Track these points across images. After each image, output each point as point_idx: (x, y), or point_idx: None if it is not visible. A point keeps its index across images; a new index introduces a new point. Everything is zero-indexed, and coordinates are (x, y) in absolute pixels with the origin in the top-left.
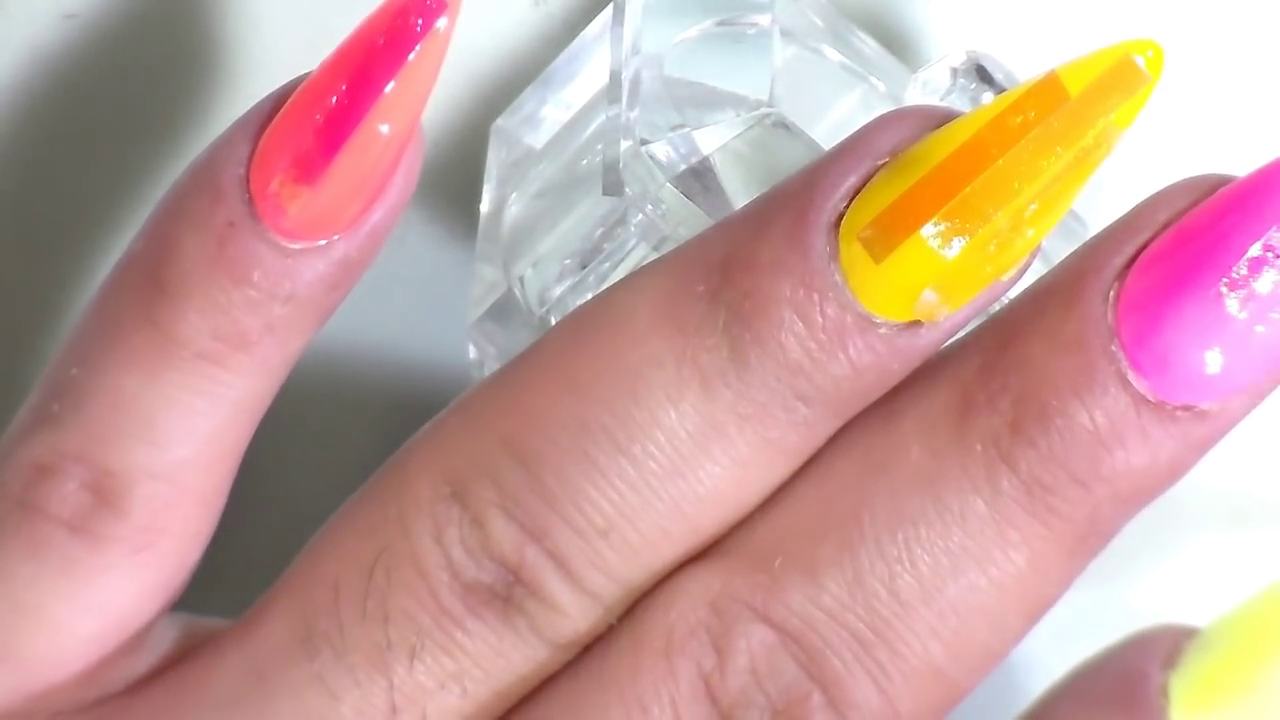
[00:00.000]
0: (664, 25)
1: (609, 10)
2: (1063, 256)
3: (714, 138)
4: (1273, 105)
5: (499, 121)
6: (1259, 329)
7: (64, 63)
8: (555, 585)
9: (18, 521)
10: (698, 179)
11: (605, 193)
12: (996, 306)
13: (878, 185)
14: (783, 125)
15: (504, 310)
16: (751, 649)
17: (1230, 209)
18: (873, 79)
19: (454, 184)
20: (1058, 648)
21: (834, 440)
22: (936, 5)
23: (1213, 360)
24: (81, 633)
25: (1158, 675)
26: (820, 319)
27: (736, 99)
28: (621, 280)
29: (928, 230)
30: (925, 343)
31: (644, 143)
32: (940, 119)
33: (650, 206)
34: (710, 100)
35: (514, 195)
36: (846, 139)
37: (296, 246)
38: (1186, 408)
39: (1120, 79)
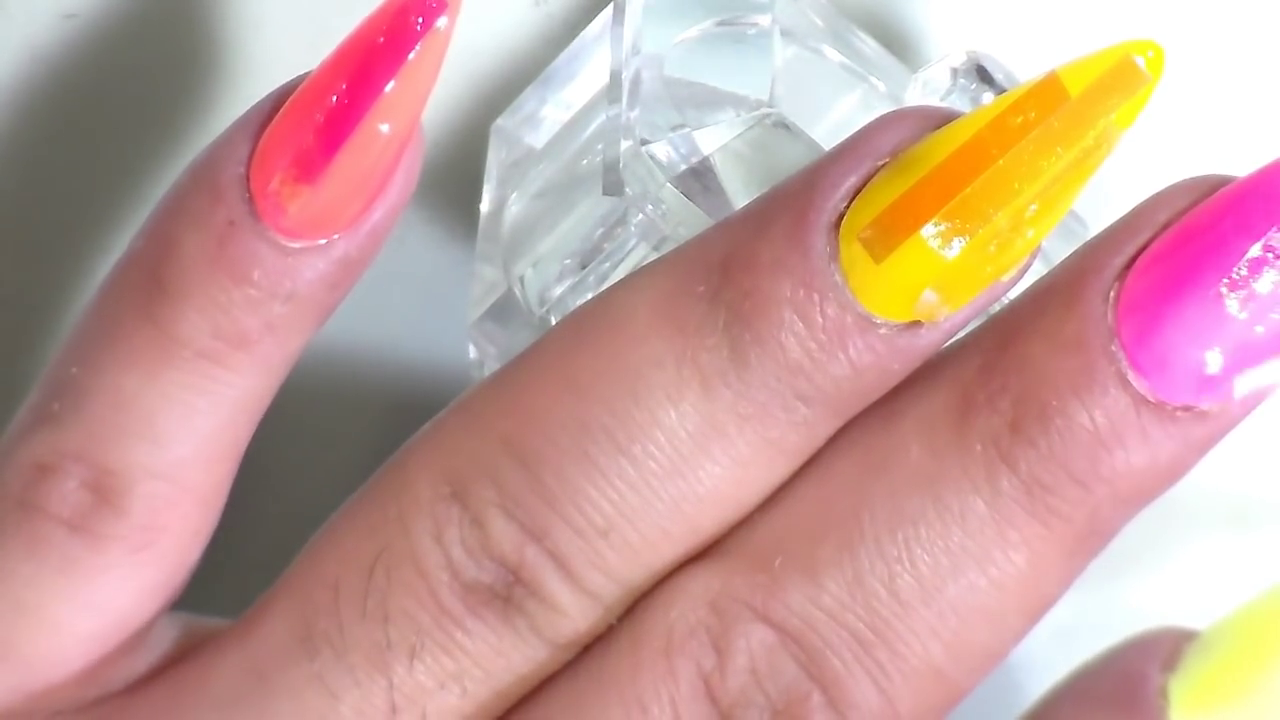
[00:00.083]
0: (664, 25)
1: (609, 10)
2: (1063, 257)
3: (714, 138)
4: (1273, 105)
5: (499, 121)
6: (1259, 329)
7: (64, 63)
8: (555, 585)
9: (18, 520)
10: (698, 179)
11: (605, 193)
12: (997, 307)
13: (878, 185)
14: (783, 125)
15: (504, 310)
16: (751, 649)
17: (1230, 209)
18: (873, 79)
19: (454, 184)
20: (1058, 648)
21: (834, 440)
22: (937, 5)
23: (1213, 360)
24: (81, 631)
25: (1157, 677)
26: (820, 319)
27: (737, 99)
28: (621, 280)
29: (928, 230)
30: (925, 343)
31: (644, 143)
32: (940, 119)
33: (650, 206)
34: (710, 100)
35: (514, 195)
36: (847, 139)
37: (296, 245)
38: (1186, 408)
39: (1121, 79)
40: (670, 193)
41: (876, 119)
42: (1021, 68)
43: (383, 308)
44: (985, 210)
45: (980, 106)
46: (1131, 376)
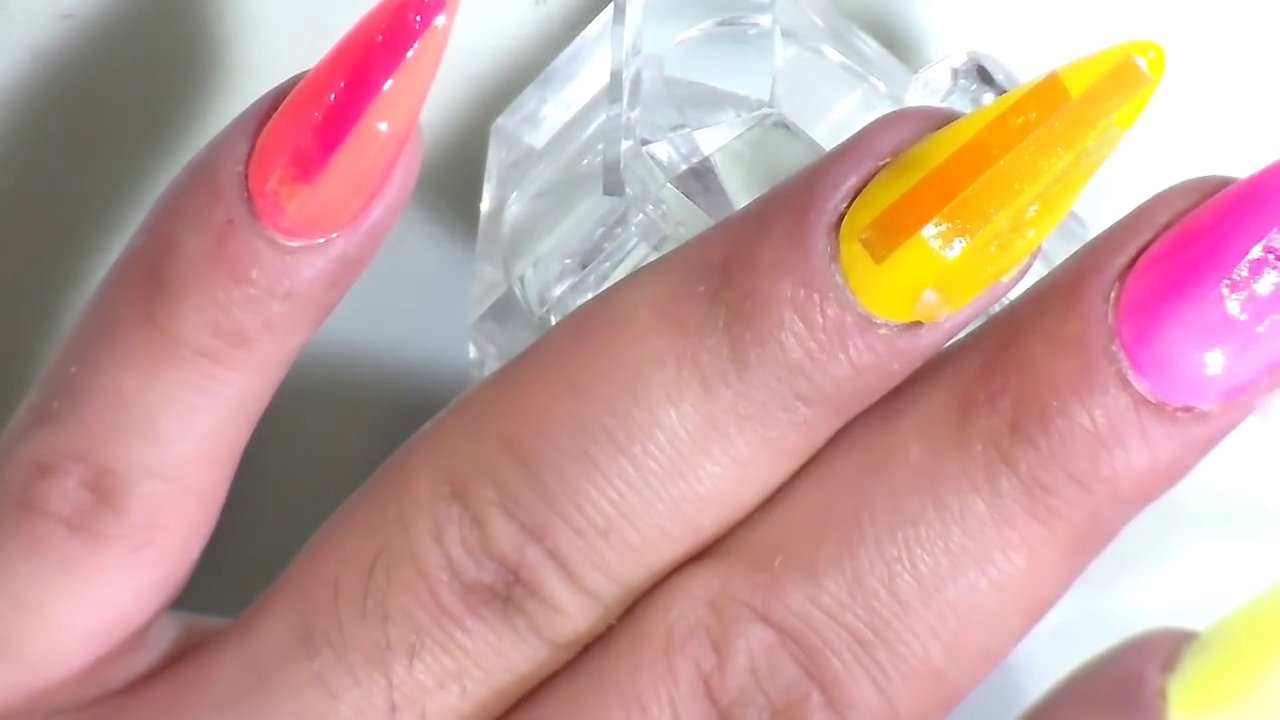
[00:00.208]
0: (665, 25)
1: (609, 10)
2: (1063, 257)
3: (715, 138)
4: (1273, 106)
5: (499, 121)
6: (1260, 330)
7: (62, 62)
8: (555, 585)
9: (17, 519)
10: (698, 179)
11: (606, 192)
12: (997, 307)
13: (878, 186)
14: (783, 125)
15: (504, 310)
16: (751, 649)
17: (1231, 210)
18: (873, 79)
19: (454, 184)
20: (1058, 649)
21: (834, 440)
22: (937, 6)
23: (1213, 361)
24: (81, 630)
25: (1156, 678)
26: (821, 319)
27: (737, 99)
28: (622, 280)
29: (928, 231)
30: (926, 343)
31: (645, 143)
32: (941, 120)
33: (651, 206)
34: (711, 100)
35: (514, 195)
36: (847, 139)
37: (295, 244)
38: (1187, 409)
39: (1121, 80)
40: (670, 193)
41: (877, 119)
42: (1022, 68)
43: (383, 308)
44: (986, 211)
45: (981, 107)
46: (1132, 377)
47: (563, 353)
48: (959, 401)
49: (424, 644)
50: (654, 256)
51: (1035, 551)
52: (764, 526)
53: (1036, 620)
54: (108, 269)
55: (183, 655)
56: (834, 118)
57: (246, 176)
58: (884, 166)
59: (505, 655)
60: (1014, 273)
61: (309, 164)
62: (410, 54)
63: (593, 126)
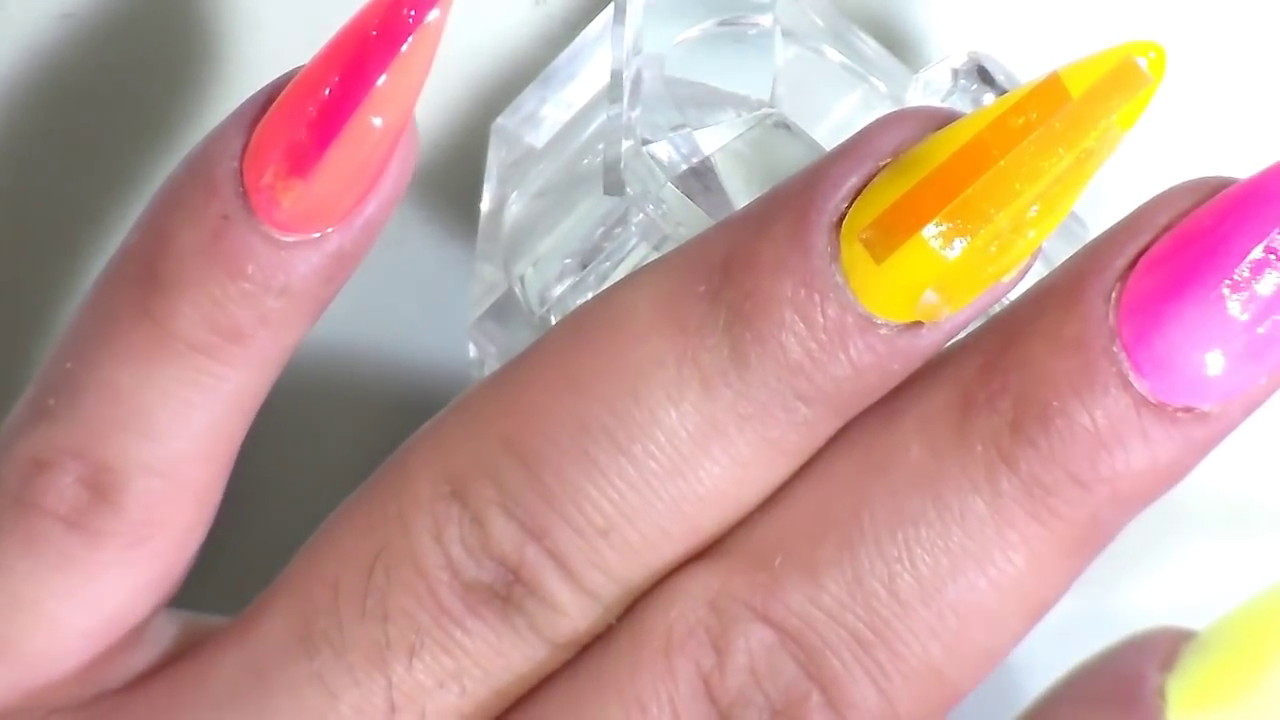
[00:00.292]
0: (665, 25)
1: (610, 10)
2: (1063, 258)
3: (715, 138)
4: (1273, 106)
5: (499, 121)
6: (1260, 331)
7: (61, 61)
8: (555, 584)
9: (14, 517)
10: (699, 179)
11: (606, 192)
12: (998, 307)
13: (879, 186)
14: (784, 125)
15: (504, 310)
16: (751, 648)
17: (1232, 211)
18: (874, 79)
19: (454, 184)
20: (1058, 648)
21: (834, 440)
22: (938, 6)
23: (1214, 362)
24: (78, 628)
25: (1155, 677)
26: (821, 319)
27: (738, 99)
28: (622, 279)
29: (929, 231)
30: (926, 343)
31: (645, 142)
32: (942, 120)
33: (651, 206)
34: (711, 100)
35: (514, 195)
36: (848, 139)
37: (290, 239)
38: (1187, 409)
39: (1122, 80)
40: (671, 192)
41: (878, 119)
42: (1023, 68)
43: (383, 307)
44: (986, 211)
45: (981, 107)
46: (1132, 377)
47: (563, 352)
48: (959, 401)
49: (424, 643)
50: (654, 256)
51: (1035, 552)
52: (764, 526)
53: (1036, 620)
54: (104, 265)
55: (182, 654)
56: (834, 118)
57: (242, 172)
58: (884, 166)
59: (505, 655)
60: (1014, 273)
61: (304, 159)
62: (404, 49)
63: (593, 126)
